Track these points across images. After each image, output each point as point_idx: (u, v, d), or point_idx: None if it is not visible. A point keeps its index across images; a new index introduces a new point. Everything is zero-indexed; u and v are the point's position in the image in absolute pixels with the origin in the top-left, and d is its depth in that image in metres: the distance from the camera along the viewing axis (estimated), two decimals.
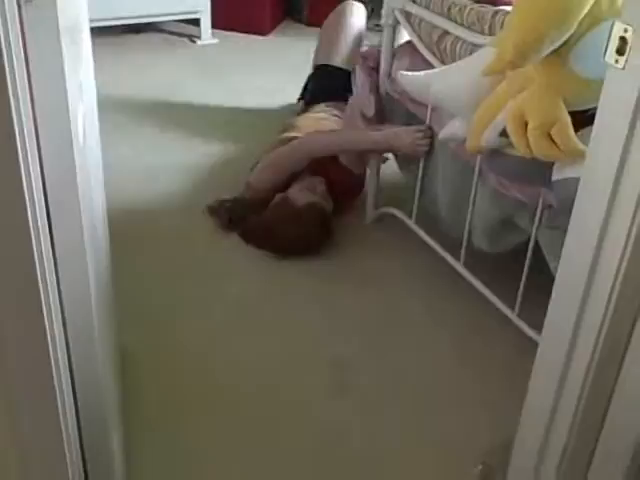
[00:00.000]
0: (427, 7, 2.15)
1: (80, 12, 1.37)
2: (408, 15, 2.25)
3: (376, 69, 2.43)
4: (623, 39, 1.01)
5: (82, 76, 1.26)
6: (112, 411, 1.37)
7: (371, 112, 2.45)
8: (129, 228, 2.47)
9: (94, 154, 1.48)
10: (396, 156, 2.53)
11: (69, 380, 1.06)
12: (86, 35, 1.48)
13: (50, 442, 1.01)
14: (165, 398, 1.86)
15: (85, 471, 1.25)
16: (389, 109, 2.44)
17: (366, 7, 3.39)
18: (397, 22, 2.30)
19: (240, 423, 1.81)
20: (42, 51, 0.89)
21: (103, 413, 1.22)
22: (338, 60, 3.17)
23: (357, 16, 3.29)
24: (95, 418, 1.20)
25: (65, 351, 1.04)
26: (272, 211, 2.43)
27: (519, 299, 2.00)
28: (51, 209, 0.97)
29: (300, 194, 2.43)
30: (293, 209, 2.38)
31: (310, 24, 4.68)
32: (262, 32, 4.48)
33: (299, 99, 3.23)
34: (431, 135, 2.21)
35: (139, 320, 2.09)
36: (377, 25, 2.73)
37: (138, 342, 2.01)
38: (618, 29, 1.02)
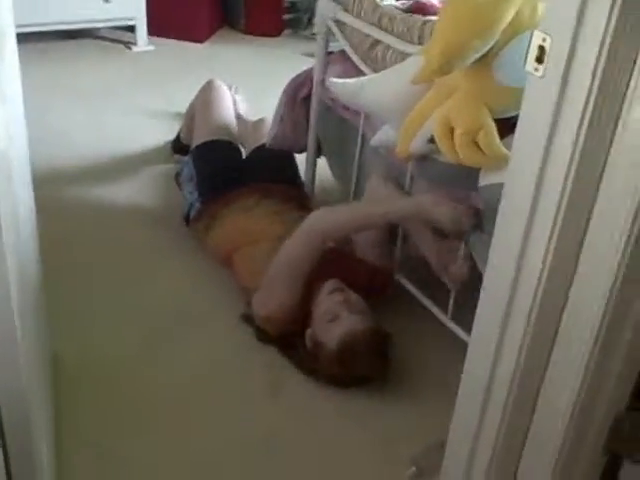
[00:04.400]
0: (359, 16, 2.18)
1: (3, 15, 1.34)
2: (340, 24, 2.27)
3: (294, 96, 2.49)
4: (542, 48, 1.04)
5: (4, 81, 1.23)
6: (39, 421, 1.34)
7: (272, 132, 2.52)
8: (60, 230, 2.44)
9: (19, 157, 1.46)
10: (329, 160, 2.54)
11: None
12: (10, 38, 1.46)
13: None
14: (98, 405, 1.84)
15: None
16: (322, 117, 2.45)
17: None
18: (330, 31, 2.32)
19: (174, 431, 1.80)
20: None
21: (28, 424, 1.19)
22: (224, 133, 2.69)
23: (222, 90, 2.88)
24: (20, 429, 1.17)
25: None
26: (309, 362, 1.97)
27: (451, 302, 2.02)
28: None
29: (325, 329, 1.93)
30: (330, 355, 1.90)
31: (247, 32, 4.69)
32: (198, 39, 4.46)
33: (186, 217, 2.46)
34: (477, 213, 1.82)
35: (72, 327, 2.06)
36: (312, 34, 2.75)
37: (71, 349, 1.98)
38: (537, 38, 1.05)
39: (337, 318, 1.92)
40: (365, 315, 1.95)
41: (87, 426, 1.77)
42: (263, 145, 2.58)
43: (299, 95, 2.50)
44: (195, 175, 2.47)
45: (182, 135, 2.96)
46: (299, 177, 2.61)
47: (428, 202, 1.88)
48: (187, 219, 2.44)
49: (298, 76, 2.54)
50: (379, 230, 2.21)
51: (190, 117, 2.86)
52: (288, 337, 2.02)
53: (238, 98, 3.06)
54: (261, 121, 2.84)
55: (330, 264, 2.07)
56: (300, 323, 1.99)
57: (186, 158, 2.65)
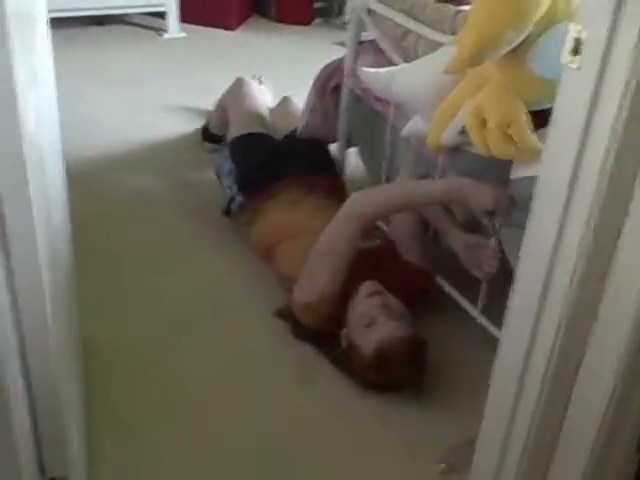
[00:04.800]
0: (390, 5, 2.16)
1: (34, 2, 1.35)
2: (372, 13, 2.25)
3: (325, 84, 2.48)
4: (578, 40, 1.03)
5: (36, 65, 1.24)
6: (70, 405, 1.35)
7: (303, 121, 2.53)
8: (93, 215, 2.46)
9: (51, 142, 1.47)
10: (361, 151, 2.53)
11: (22, 375, 1.05)
12: (42, 24, 1.46)
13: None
14: (129, 390, 1.85)
15: (41, 465, 1.24)
16: (353, 108, 2.44)
17: None
18: (361, 20, 2.31)
19: (204, 417, 1.80)
20: None
21: (59, 408, 1.20)
22: (258, 125, 2.68)
23: (252, 84, 2.94)
24: (51, 413, 1.18)
25: (17, 344, 1.03)
26: (344, 362, 1.93)
27: (482, 295, 2.00)
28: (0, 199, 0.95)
29: (362, 333, 1.88)
30: (365, 360, 1.85)
31: (278, 21, 4.68)
32: (230, 27, 4.47)
33: (226, 211, 2.45)
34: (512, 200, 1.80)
35: (104, 312, 2.07)
36: (344, 23, 2.74)
37: (103, 334, 1.99)
38: (573, 30, 1.03)
39: (374, 323, 1.86)
40: (403, 321, 1.88)
41: (118, 410, 1.78)
42: (295, 131, 2.60)
43: (329, 84, 2.49)
44: (234, 169, 2.45)
45: (211, 125, 2.98)
46: (336, 167, 2.59)
47: (468, 181, 1.86)
48: (227, 212, 2.43)
49: (328, 65, 2.54)
50: (415, 223, 2.18)
51: (221, 110, 2.87)
52: (324, 334, 1.98)
53: (264, 88, 3.07)
54: (285, 100, 2.91)
55: (369, 264, 2.02)
56: (336, 321, 1.95)
57: (217, 147, 2.66)
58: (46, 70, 1.51)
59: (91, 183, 2.70)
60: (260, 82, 3.10)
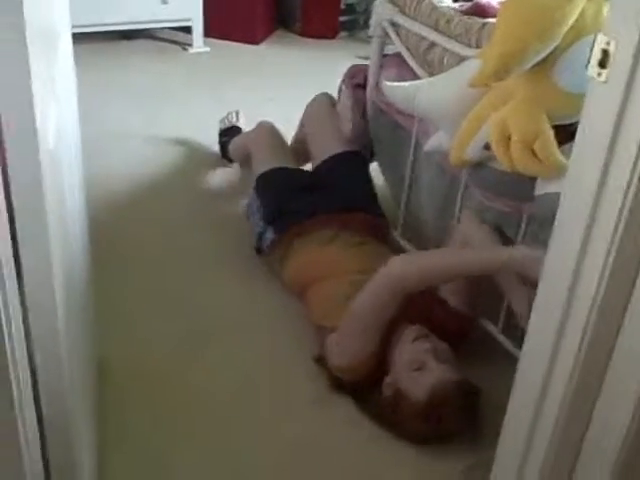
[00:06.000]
0: (415, 18, 2.15)
1: (58, 16, 1.35)
2: (396, 26, 2.24)
3: (362, 86, 2.43)
4: (605, 52, 1.00)
5: (58, 80, 1.24)
6: (81, 425, 1.34)
7: (347, 129, 2.44)
8: (113, 233, 2.46)
9: (72, 158, 1.46)
10: (381, 164, 2.50)
11: (31, 394, 1.03)
12: (65, 39, 1.47)
13: (9, 456, 0.98)
14: (143, 410, 1.83)
15: None
16: (376, 122, 2.42)
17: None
18: (386, 33, 2.29)
19: (217, 437, 1.78)
20: (7, 51, 0.87)
21: (68, 428, 1.18)
22: (283, 160, 2.54)
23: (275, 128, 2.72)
24: (60, 433, 1.16)
25: (27, 362, 1.01)
26: (388, 415, 1.82)
27: (503, 314, 1.97)
28: (15, 214, 0.94)
29: (412, 379, 1.77)
30: (416, 407, 1.74)
31: (303, 34, 4.68)
32: (254, 41, 4.47)
33: (257, 249, 2.36)
34: None
35: (120, 330, 2.06)
36: (369, 36, 2.73)
37: (118, 353, 1.98)
38: (600, 42, 1.01)
39: (424, 367, 1.76)
40: (453, 365, 1.80)
41: (132, 431, 1.77)
42: (327, 161, 2.48)
43: (354, 81, 2.47)
44: (261, 206, 2.36)
45: (231, 153, 2.90)
46: (376, 199, 2.42)
47: (520, 255, 1.72)
48: (259, 250, 2.35)
49: (353, 66, 2.55)
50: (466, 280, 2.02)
51: (242, 148, 2.76)
52: (364, 388, 1.88)
53: (241, 123, 3.01)
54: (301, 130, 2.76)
55: (409, 305, 1.88)
56: (376, 371, 1.86)
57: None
58: (69, 85, 1.51)
59: (113, 200, 2.70)
60: (237, 118, 3.04)
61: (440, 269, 1.87)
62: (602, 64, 1.01)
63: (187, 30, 4.31)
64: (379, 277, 1.85)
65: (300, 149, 2.67)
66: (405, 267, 1.86)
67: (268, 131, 2.66)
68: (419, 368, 1.77)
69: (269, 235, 2.29)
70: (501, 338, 2.00)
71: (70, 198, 1.37)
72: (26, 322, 1.00)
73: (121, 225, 2.56)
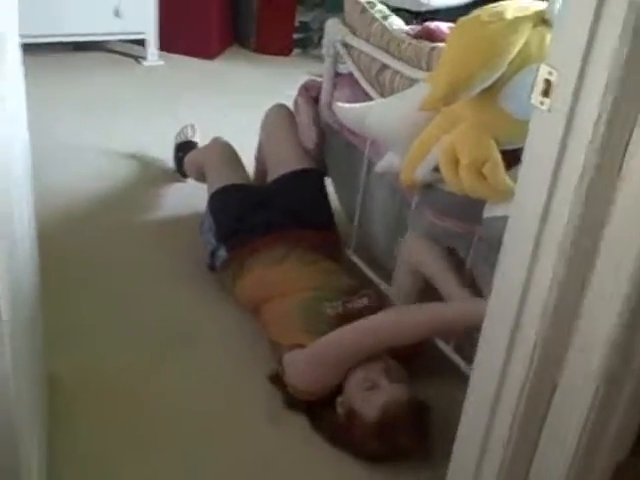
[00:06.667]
0: (367, 40, 2.17)
1: (4, 24, 1.33)
2: (349, 47, 2.26)
3: (317, 100, 2.44)
4: (548, 82, 1.03)
5: (3, 92, 1.22)
6: (29, 443, 1.32)
7: (312, 144, 2.45)
8: (65, 247, 2.43)
9: (20, 170, 1.44)
10: (335, 183, 2.51)
11: None
12: (12, 50, 1.44)
13: None
14: (95, 425, 1.81)
15: None
16: (330, 141, 2.44)
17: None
18: (338, 53, 2.31)
19: (171, 453, 1.77)
20: None
21: (16, 448, 1.16)
22: (235, 177, 2.53)
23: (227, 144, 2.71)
24: (6, 452, 1.15)
25: None
26: (342, 435, 1.82)
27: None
28: None
29: (364, 398, 1.79)
30: (368, 427, 1.76)
31: (258, 51, 4.69)
32: (209, 56, 4.47)
33: (210, 266, 2.35)
34: None
35: (70, 346, 2.03)
36: (323, 54, 2.74)
37: (69, 368, 1.95)
38: (543, 72, 1.04)
39: (376, 387, 1.78)
40: (405, 384, 1.81)
41: (83, 445, 1.74)
42: (282, 178, 2.45)
43: (309, 93, 2.49)
44: (213, 224, 2.35)
45: (186, 168, 2.87)
46: (331, 216, 2.43)
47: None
48: (212, 267, 2.34)
49: (309, 80, 2.57)
50: (417, 285, 2.06)
51: (196, 164, 2.74)
52: (318, 406, 1.88)
53: (196, 138, 3.00)
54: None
55: None
56: (329, 390, 1.87)
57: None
58: (16, 97, 1.49)
59: (63, 213, 2.66)
60: (193, 132, 3.03)
61: (433, 325, 1.88)
62: (545, 93, 1.04)
63: (141, 43, 4.29)
64: (366, 328, 1.86)
65: (262, 171, 2.65)
66: (395, 322, 1.87)
67: (221, 147, 2.66)
68: (371, 387, 1.78)
69: (221, 253, 2.28)
70: (453, 356, 2.02)
71: (18, 213, 1.35)
72: None
73: (73, 239, 2.52)
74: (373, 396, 1.77)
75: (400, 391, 1.78)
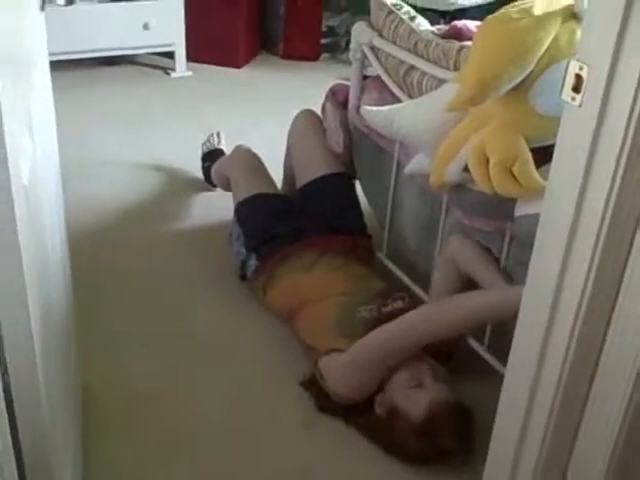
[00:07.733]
0: (394, 42, 2.16)
1: (33, 45, 1.34)
2: (376, 50, 2.25)
3: (345, 104, 2.43)
4: (579, 77, 1.01)
5: (33, 112, 1.23)
6: (62, 458, 1.32)
7: (340, 148, 2.44)
8: (96, 260, 2.45)
9: (50, 188, 1.45)
10: (364, 186, 2.50)
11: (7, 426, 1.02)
12: (42, 68, 1.46)
13: None
14: (129, 436, 1.82)
15: None
16: (359, 144, 2.43)
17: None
18: (365, 56, 2.30)
19: (206, 463, 1.77)
20: None
21: (48, 463, 1.17)
22: (264, 185, 2.51)
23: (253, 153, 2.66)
24: (40, 468, 1.15)
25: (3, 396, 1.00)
26: (382, 433, 1.81)
27: (488, 332, 1.97)
28: None
29: (408, 397, 1.77)
30: (411, 425, 1.74)
31: (285, 57, 4.70)
32: (237, 65, 4.48)
33: (241, 276, 2.36)
34: None
35: (105, 356, 2.05)
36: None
37: (103, 379, 1.97)
38: (574, 67, 1.02)
39: (422, 386, 1.77)
40: (449, 385, 1.81)
41: (117, 457, 1.75)
42: (312, 183, 2.45)
43: (337, 98, 2.48)
44: (242, 234, 2.35)
45: (213, 178, 2.88)
46: (362, 220, 2.42)
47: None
48: (243, 277, 2.35)
49: (336, 84, 2.56)
50: (457, 285, 2.01)
51: (220, 174, 2.75)
52: (355, 409, 1.86)
53: (222, 144, 3.01)
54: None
55: None
56: (370, 393, 1.86)
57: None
58: (47, 115, 1.50)
59: (94, 226, 2.69)
60: (219, 140, 3.03)
61: (475, 316, 1.83)
62: (576, 89, 1.02)
63: (169, 55, 4.31)
64: (403, 325, 1.83)
65: (291, 177, 2.63)
66: (430, 318, 1.85)
67: (244, 156, 2.64)
68: (416, 386, 1.77)
69: (252, 262, 2.29)
70: (487, 356, 1.99)
71: (50, 227, 1.36)
72: (2, 355, 0.99)
73: (104, 251, 2.55)
74: (419, 395, 1.76)
75: (445, 391, 1.77)
